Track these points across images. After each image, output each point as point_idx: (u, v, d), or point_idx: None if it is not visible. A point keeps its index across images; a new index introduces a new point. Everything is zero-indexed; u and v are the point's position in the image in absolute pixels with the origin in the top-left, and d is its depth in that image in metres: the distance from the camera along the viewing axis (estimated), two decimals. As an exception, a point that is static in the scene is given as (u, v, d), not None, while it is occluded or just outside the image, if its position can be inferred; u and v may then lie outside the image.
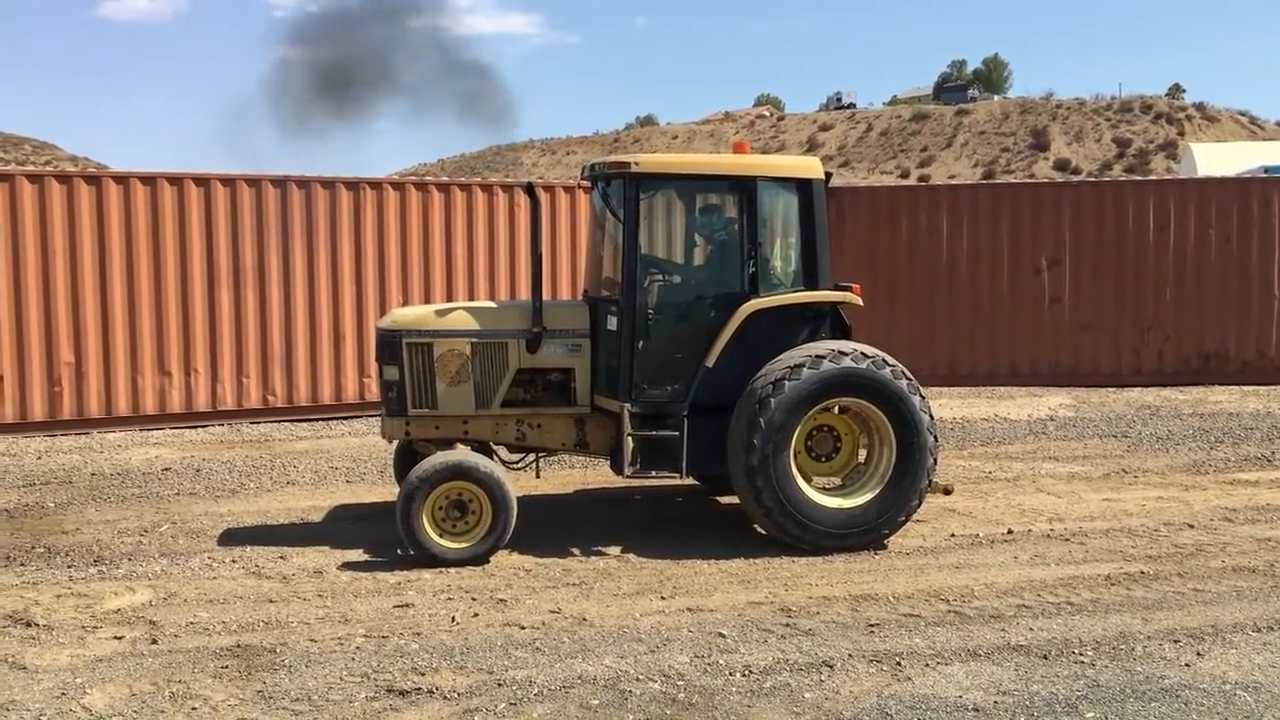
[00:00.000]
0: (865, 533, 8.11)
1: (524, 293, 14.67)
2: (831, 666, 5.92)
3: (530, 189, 8.73)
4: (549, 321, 8.43)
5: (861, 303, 8.52)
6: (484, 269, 14.98)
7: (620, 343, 8.18)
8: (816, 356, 7.99)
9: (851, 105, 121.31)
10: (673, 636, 6.35)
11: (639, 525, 8.98)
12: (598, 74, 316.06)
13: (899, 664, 5.96)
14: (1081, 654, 6.10)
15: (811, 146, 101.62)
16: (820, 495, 8.18)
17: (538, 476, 9.30)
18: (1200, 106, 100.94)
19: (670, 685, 5.68)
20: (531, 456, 9.00)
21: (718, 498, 9.75)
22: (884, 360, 8.12)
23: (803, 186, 8.42)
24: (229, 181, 13.63)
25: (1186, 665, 5.95)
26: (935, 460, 8.25)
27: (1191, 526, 8.83)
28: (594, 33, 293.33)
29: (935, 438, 8.23)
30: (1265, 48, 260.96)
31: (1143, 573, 7.57)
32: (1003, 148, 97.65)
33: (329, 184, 14.17)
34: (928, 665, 5.95)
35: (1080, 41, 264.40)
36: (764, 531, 8.27)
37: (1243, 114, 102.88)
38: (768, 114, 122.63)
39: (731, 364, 8.14)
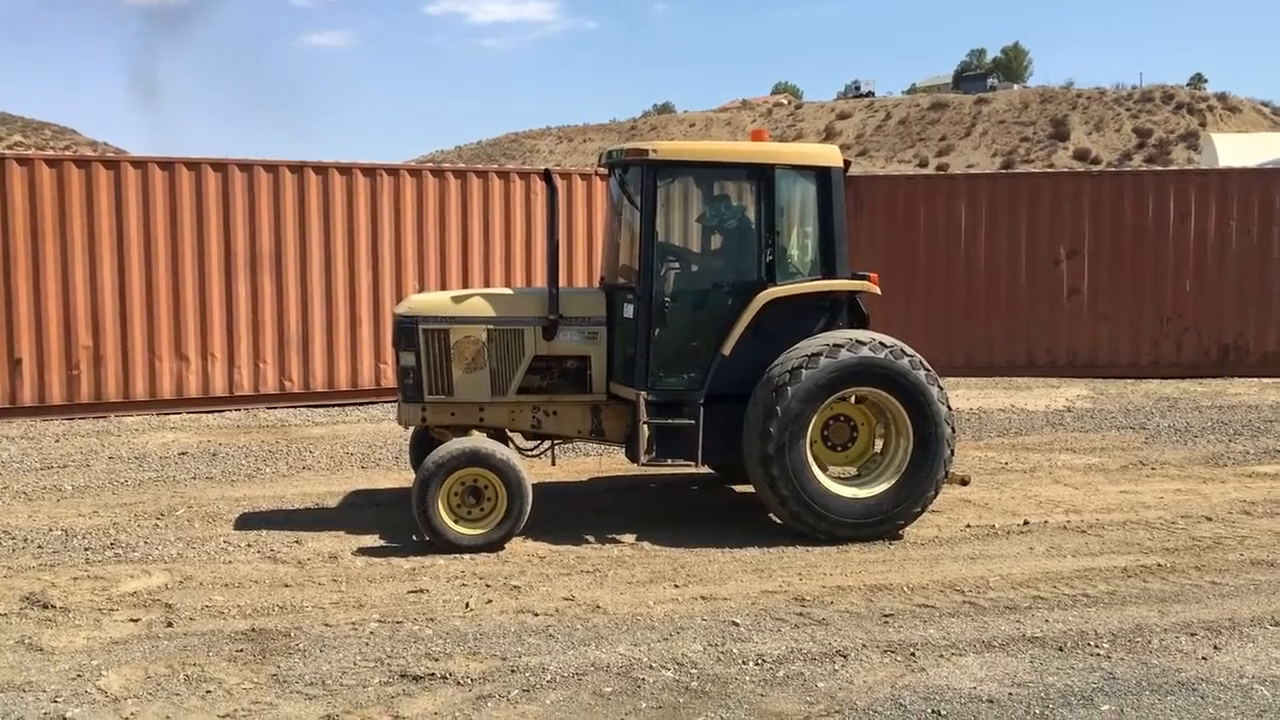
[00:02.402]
0: (881, 523, 8.08)
1: (540, 280, 14.67)
2: (845, 656, 5.90)
3: (548, 176, 8.71)
4: (565, 309, 8.41)
5: (879, 292, 8.47)
6: (500, 256, 14.98)
7: (637, 330, 8.16)
8: (834, 345, 7.96)
9: (870, 93, 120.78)
10: (686, 625, 6.35)
11: (653, 513, 8.98)
12: (615, 61, 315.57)
13: (913, 654, 5.94)
14: (1097, 646, 6.07)
15: (829, 135, 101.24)
16: (836, 485, 8.15)
17: (553, 464, 9.30)
18: (1222, 97, 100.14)
19: (683, 674, 5.68)
20: (547, 444, 9.00)
21: (733, 486, 9.74)
22: (902, 350, 8.08)
23: (821, 175, 8.37)
24: (246, 167, 13.66)
25: (1203, 659, 5.92)
26: (952, 451, 8.21)
27: (1209, 519, 8.78)
28: (612, 20, 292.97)
29: (952, 428, 8.19)
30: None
31: (1160, 565, 7.53)
32: (1022, 137, 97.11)
33: (346, 170, 14.18)
34: (942, 656, 5.93)
35: (1101, 31, 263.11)
36: (779, 521, 8.25)
37: (1265, 104, 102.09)
38: (785, 102, 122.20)
39: (748, 352, 8.11)
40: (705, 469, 9.17)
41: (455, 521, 7.78)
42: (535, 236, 15.08)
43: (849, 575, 7.30)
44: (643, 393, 8.11)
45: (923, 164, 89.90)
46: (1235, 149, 41.62)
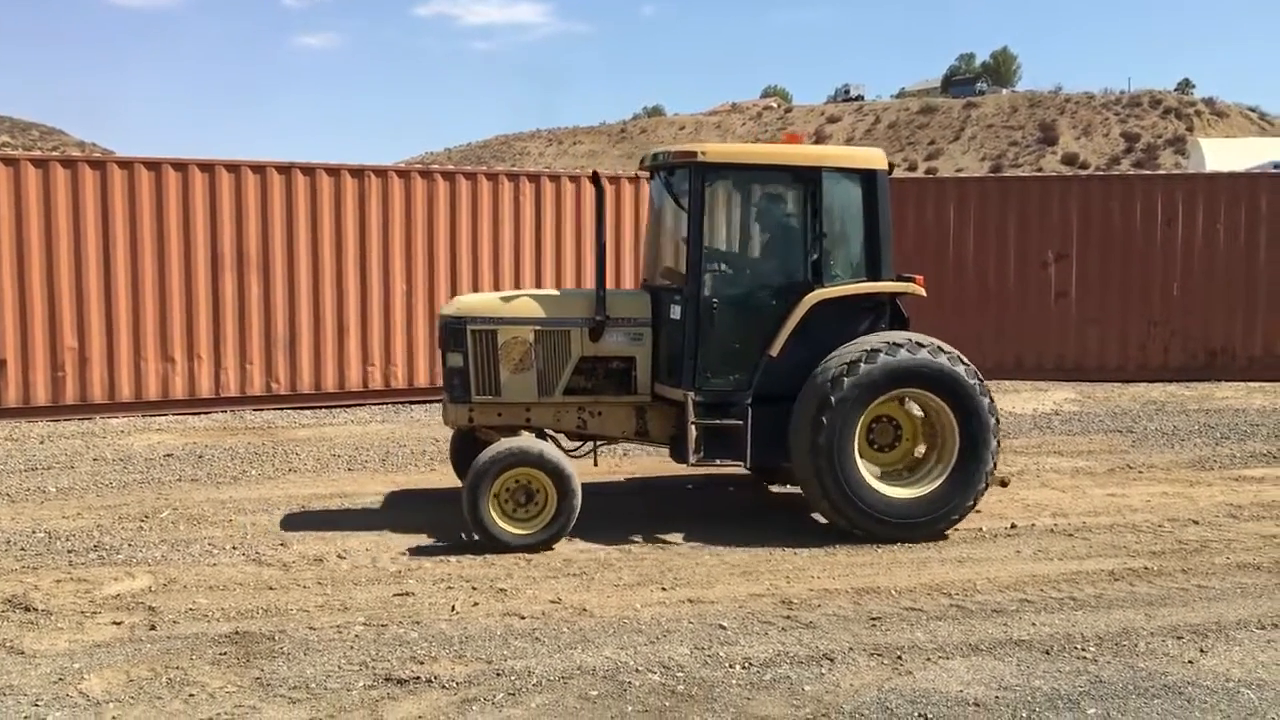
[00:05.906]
0: (924, 523, 8.12)
1: (529, 283, 14.64)
2: (832, 659, 5.89)
3: (596, 178, 8.82)
4: (612, 310, 8.44)
5: (924, 293, 8.53)
6: (488, 258, 14.91)
7: (684, 332, 8.16)
8: (893, 344, 8.02)
9: (859, 97, 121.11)
10: (673, 628, 6.33)
11: (642, 516, 8.96)
12: (606, 64, 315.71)
13: (900, 658, 5.93)
14: (1084, 650, 6.06)
15: (819, 138, 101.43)
16: (882, 484, 8.18)
17: (595, 465, 9.24)
18: (1209, 102, 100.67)
19: (670, 677, 5.66)
20: (588, 445, 8.98)
21: (770, 486, 9.75)
22: (959, 357, 8.12)
23: (867, 177, 8.41)
24: (234, 167, 13.60)
25: (1190, 662, 5.92)
26: (995, 460, 8.25)
27: (1196, 523, 8.79)
28: (603, 22, 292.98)
29: (997, 439, 8.23)
30: (1275, 44, 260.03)
31: (1146, 568, 7.53)
32: (1010, 141, 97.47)
33: (334, 171, 14.13)
34: (929, 659, 5.92)
35: (1089, 36, 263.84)
36: (821, 518, 8.27)
37: (1252, 110, 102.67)
38: (775, 105, 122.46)
39: (793, 354, 8.14)
40: (700, 469, 9.15)
41: (505, 521, 7.79)
42: (522, 239, 14.96)
43: (836, 578, 7.29)
44: (690, 393, 8.11)
45: (911, 168, 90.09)
46: (1223, 154, 41.77)
